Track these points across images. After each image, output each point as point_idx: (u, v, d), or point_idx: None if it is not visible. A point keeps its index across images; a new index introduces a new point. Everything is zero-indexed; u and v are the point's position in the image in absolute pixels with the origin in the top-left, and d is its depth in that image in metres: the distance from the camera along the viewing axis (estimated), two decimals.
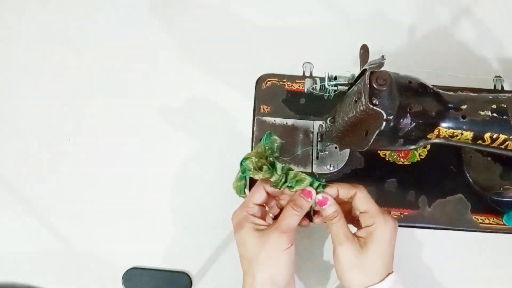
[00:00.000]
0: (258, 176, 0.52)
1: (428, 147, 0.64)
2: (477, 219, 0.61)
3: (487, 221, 0.61)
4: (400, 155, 0.63)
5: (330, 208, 0.52)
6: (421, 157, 0.63)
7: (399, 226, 0.58)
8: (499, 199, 0.60)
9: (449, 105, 0.48)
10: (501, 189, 0.58)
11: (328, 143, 0.59)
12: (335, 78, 0.51)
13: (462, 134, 0.48)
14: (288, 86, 0.66)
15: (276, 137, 0.56)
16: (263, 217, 0.54)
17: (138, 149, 0.68)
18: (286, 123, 0.64)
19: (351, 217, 0.54)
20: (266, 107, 0.65)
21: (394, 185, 0.62)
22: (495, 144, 0.48)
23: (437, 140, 0.49)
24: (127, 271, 0.63)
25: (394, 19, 0.75)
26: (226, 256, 0.63)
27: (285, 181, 0.53)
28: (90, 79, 0.71)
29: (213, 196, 0.65)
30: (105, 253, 0.64)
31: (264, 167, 0.52)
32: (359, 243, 0.51)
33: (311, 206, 0.53)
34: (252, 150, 0.63)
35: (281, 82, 0.66)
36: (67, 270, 0.63)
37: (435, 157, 0.63)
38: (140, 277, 0.63)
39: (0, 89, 0.71)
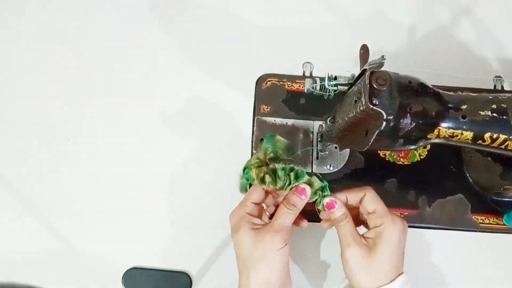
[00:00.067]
0: (262, 186, 0.52)
1: (428, 147, 0.64)
2: (477, 219, 0.61)
3: (487, 221, 0.61)
4: (400, 155, 0.63)
5: (339, 211, 0.52)
6: (421, 157, 0.63)
7: None
8: (499, 199, 0.60)
9: (449, 105, 0.48)
10: (501, 189, 0.58)
11: (328, 143, 0.59)
12: (335, 78, 0.51)
13: (462, 134, 0.48)
14: (288, 86, 0.66)
15: (280, 138, 0.55)
16: (260, 216, 0.54)
17: (138, 149, 0.68)
18: (286, 123, 0.64)
19: (359, 221, 0.54)
20: (266, 107, 0.65)
21: (394, 185, 0.62)
22: (495, 144, 0.48)
23: (437, 140, 0.49)
24: (127, 271, 0.63)
25: (394, 19, 0.75)
26: (226, 256, 0.63)
27: (290, 183, 0.52)
28: (90, 79, 0.71)
29: (213, 196, 0.65)
30: (105, 253, 0.64)
31: (267, 177, 0.52)
32: (368, 244, 0.51)
33: (320, 211, 0.53)
34: (252, 151, 0.63)
35: (281, 82, 0.66)
36: (67, 270, 0.63)
37: (435, 157, 0.63)
38: (140, 277, 0.63)
39: (0, 89, 0.71)
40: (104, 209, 0.65)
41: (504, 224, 0.60)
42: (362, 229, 0.54)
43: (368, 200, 0.52)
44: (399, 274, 0.50)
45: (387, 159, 0.63)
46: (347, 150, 0.63)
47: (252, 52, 0.72)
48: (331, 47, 0.72)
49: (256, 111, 0.65)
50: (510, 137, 0.48)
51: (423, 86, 0.47)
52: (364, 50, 0.49)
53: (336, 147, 0.62)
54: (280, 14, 0.75)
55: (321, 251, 0.64)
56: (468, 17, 0.75)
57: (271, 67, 0.67)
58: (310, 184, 0.52)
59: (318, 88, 0.52)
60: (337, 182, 0.61)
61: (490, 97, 0.49)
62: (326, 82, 0.51)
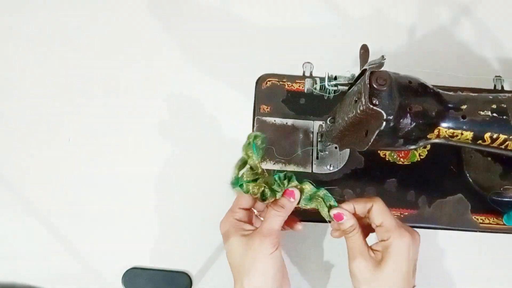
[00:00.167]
0: (265, 202, 0.51)
1: (428, 147, 0.64)
2: (477, 219, 0.61)
3: (487, 221, 0.61)
4: (400, 155, 0.63)
5: (348, 223, 0.51)
6: (421, 157, 0.63)
7: None
8: (499, 199, 0.60)
9: (449, 105, 0.48)
10: (501, 189, 0.58)
11: (328, 143, 0.59)
12: (335, 78, 0.51)
13: (462, 134, 0.48)
14: (288, 86, 0.66)
15: (259, 136, 0.52)
16: (250, 221, 0.53)
17: (138, 149, 0.68)
18: (286, 123, 0.64)
19: (370, 229, 0.53)
20: (266, 107, 0.65)
21: (394, 185, 0.62)
22: (495, 144, 0.48)
23: (437, 140, 0.49)
24: (127, 271, 0.63)
25: (394, 19, 0.75)
26: (226, 256, 0.63)
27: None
28: (90, 79, 0.71)
29: (213, 196, 0.65)
30: (105, 253, 0.64)
31: (266, 191, 0.50)
32: (375, 257, 0.49)
33: (330, 221, 0.52)
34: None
35: (281, 82, 0.66)
36: (67, 270, 0.63)
37: (435, 157, 0.63)
38: (140, 277, 0.63)
39: (0, 89, 0.71)
40: (104, 209, 0.65)
41: (504, 224, 0.60)
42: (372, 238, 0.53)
43: (375, 212, 0.50)
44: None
45: (387, 159, 0.63)
46: (347, 150, 0.63)
47: (252, 52, 0.72)
48: (331, 47, 0.72)
49: (256, 111, 0.65)
50: (510, 137, 0.48)
51: (423, 86, 0.47)
52: (364, 50, 0.49)
53: (336, 147, 0.62)
54: (280, 14, 0.75)
55: (323, 251, 0.64)
56: (468, 17, 0.75)
57: (271, 67, 0.67)
58: (301, 190, 0.51)
59: (318, 88, 0.51)
60: (337, 182, 0.61)
61: (490, 97, 0.49)
62: (326, 82, 0.51)
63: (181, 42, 0.73)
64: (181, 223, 0.65)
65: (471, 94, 0.50)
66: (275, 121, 0.64)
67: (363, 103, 0.43)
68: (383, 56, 0.45)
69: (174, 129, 0.69)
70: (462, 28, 0.74)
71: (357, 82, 0.47)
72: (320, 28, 0.74)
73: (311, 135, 0.63)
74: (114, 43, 0.73)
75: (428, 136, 0.48)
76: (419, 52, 0.73)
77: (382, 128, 0.43)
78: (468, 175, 0.62)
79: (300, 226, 0.55)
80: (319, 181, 0.60)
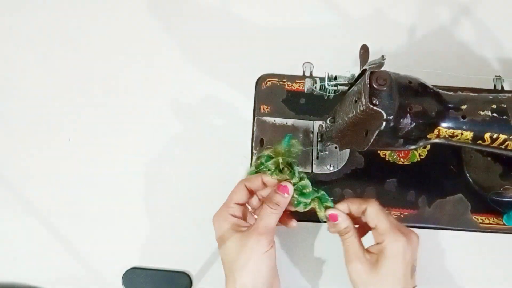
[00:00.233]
0: (276, 177, 0.51)
1: (428, 147, 0.64)
2: (477, 219, 0.61)
3: (487, 221, 0.61)
4: (400, 155, 0.63)
5: (342, 224, 0.51)
6: (421, 157, 0.63)
7: None
8: (499, 199, 0.60)
9: (449, 105, 0.48)
10: (501, 189, 0.58)
11: (328, 143, 0.59)
12: (335, 78, 0.51)
13: (462, 134, 0.48)
14: (288, 86, 0.66)
15: (296, 142, 0.53)
16: (244, 217, 0.53)
17: (138, 149, 0.68)
18: (286, 123, 0.64)
19: (367, 228, 0.53)
20: (266, 107, 0.65)
21: (394, 185, 0.62)
22: (495, 144, 0.48)
23: (437, 140, 0.49)
24: (127, 271, 0.63)
25: (394, 19, 0.75)
26: (218, 250, 0.63)
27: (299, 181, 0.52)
28: (90, 79, 0.71)
29: (213, 196, 0.65)
30: (105, 253, 0.64)
31: (286, 169, 0.51)
32: (371, 259, 0.49)
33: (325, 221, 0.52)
34: (252, 150, 0.63)
35: (281, 82, 0.66)
36: (67, 270, 0.63)
37: (435, 157, 0.63)
38: (140, 277, 0.62)
39: (0, 89, 0.71)
40: (104, 209, 0.65)
41: (504, 224, 0.60)
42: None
43: (370, 215, 0.50)
44: None
45: (387, 159, 0.63)
46: (347, 150, 0.63)
47: (252, 52, 0.72)
48: (331, 47, 0.72)
49: (256, 111, 0.65)
50: (510, 137, 0.48)
51: (423, 86, 0.47)
52: (364, 50, 0.49)
53: (336, 147, 0.62)
54: (280, 14, 0.75)
55: (319, 251, 0.64)
56: (468, 17, 0.75)
57: (271, 67, 0.67)
58: (304, 188, 0.52)
59: (318, 88, 0.51)
60: (337, 182, 0.61)
61: (490, 97, 0.49)
62: (326, 82, 0.51)
63: (181, 42, 0.73)
64: (181, 223, 0.65)
65: (471, 94, 0.50)
66: (275, 121, 0.64)
67: (363, 103, 0.43)
68: (383, 56, 0.45)
69: (174, 129, 0.69)
70: (462, 28, 0.74)
71: (357, 82, 0.47)
72: (320, 28, 0.74)
73: (311, 135, 0.63)
74: (114, 43, 0.73)
75: (428, 136, 0.48)
76: (419, 52, 0.73)
77: (382, 128, 0.43)
78: (468, 175, 0.62)
79: (294, 223, 0.54)
80: (319, 181, 0.61)
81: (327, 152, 0.62)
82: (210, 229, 0.63)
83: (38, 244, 0.64)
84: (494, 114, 0.47)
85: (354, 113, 0.46)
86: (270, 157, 0.52)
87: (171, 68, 0.71)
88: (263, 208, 0.51)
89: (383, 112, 0.43)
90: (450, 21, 0.75)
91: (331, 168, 0.62)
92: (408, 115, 0.45)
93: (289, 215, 0.54)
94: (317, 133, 0.63)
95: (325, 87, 0.51)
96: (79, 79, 0.71)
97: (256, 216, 0.54)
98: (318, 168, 0.62)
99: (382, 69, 0.45)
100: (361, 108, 0.44)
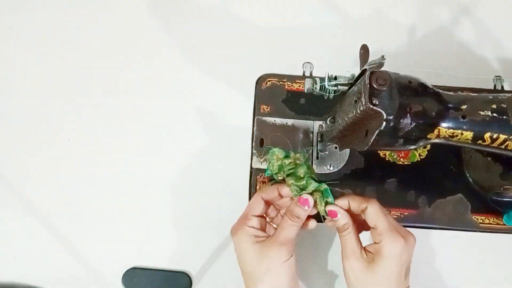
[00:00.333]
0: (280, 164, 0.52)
1: (428, 147, 0.63)
2: (477, 219, 0.61)
3: (487, 221, 0.61)
4: (400, 155, 0.63)
5: (341, 221, 0.51)
6: (421, 157, 0.63)
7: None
8: (499, 199, 0.60)
9: (449, 105, 0.48)
10: (501, 189, 0.58)
11: (328, 143, 0.59)
12: (335, 78, 0.51)
13: (462, 134, 0.48)
14: (288, 86, 0.65)
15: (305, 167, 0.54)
16: (263, 228, 0.53)
17: (138, 149, 0.68)
18: (286, 123, 0.64)
19: (367, 226, 0.52)
20: (266, 107, 0.65)
21: (394, 185, 0.62)
22: (495, 144, 0.48)
23: (437, 140, 0.49)
24: (127, 271, 0.63)
25: (394, 19, 0.75)
26: (226, 256, 0.63)
27: (302, 189, 0.52)
28: (90, 79, 0.71)
29: (213, 196, 0.65)
30: (105, 253, 0.64)
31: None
32: (368, 258, 0.50)
33: (324, 218, 0.52)
34: (252, 151, 0.63)
35: (281, 82, 0.66)
36: (67, 270, 0.64)
37: (435, 157, 0.63)
38: (140, 277, 0.63)
39: (0, 89, 0.71)
40: (104, 209, 0.65)
41: (504, 224, 0.60)
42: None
43: (369, 215, 0.50)
44: None
45: (387, 159, 0.63)
46: (347, 150, 0.63)
47: (252, 52, 0.72)
48: (331, 47, 0.72)
49: (256, 111, 0.64)
50: (510, 137, 0.48)
51: (423, 86, 0.47)
52: (364, 50, 0.49)
53: (336, 147, 0.62)
54: (280, 14, 0.75)
55: (317, 249, 0.64)
56: (468, 17, 0.75)
57: (271, 67, 0.67)
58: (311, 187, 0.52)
59: (318, 88, 0.51)
60: (337, 182, 0.61)
61: (490, 97, 0.49)
62: (326, 82, 0.51)
63: (181, 42, 0.73)
64: (181, 223, 0.65)
65: (471, 94, 0.50)
66: (275, 121, 0.64)
67: (363, 103, 0.43)
68: (383, 56, 0.45)
69: (174, 129, 0.69)
70: (462, 28, 0.74)
71: (357, 82, 0.47)
72: (320, 28, 0.74)
73: (311, 135, 0.63)
74: (114, 43, 0.73)
75: (428, 136, 0.48)
76: (419, 52, 0.73)
77: (382, 128, 0.43)
78: (468, 175, 0.62)
79: (313, 223, 0.54)
80: (319, 182, 0.60)
81: (327, 152, 0.62)
82: (210, 229, 0.64)
83: (38, 244, 0.64)
84: (494, 114, 0.47)
85: (354, 113, 0.46)
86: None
87: (171, 68, 0.71)
88: (284, 220, 0.51)
89: (383, 112, 0.43)
90: (450, 21, 0.75)
91: (331, 168, 0.62)
92: (408, 115, 0.45)
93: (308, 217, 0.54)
94: (317, 133, 0.62)
95: (325, 87, 0.51)
96: (79, 79, 0.71)
97: (274, 225, 0.55)
98: (318, 168, 0.62)
99: (382, 69, 0.45)
100: (361, 108, 0.44)
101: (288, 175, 0.53)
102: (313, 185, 0.52)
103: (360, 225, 0.53)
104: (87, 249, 0.64)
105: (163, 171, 0.67)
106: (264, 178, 0.59)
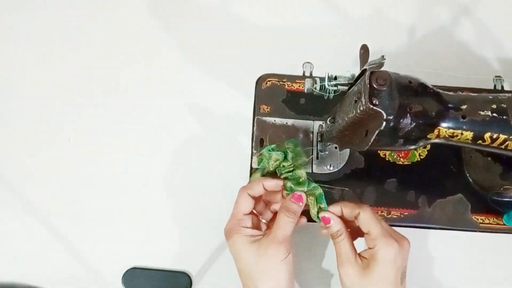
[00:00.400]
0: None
1: (428, 147, 0.64)
2: (477, 219, 0.61)
3: (487, 221, 0.61)
4: (400, 155, 0.63)
5: (334, 227, 0.51)
6: (421, 157, 0.63)
7: (400, 226, 0.58)
8: (499, 199, 0.60)
9: (449, 105, 0.48)
10: (501, 189, 0.58)
11: (328, 143, 0.59)
12: (335, 78, 0.51)
13: (462, 134, 0.48)
14: (288, 86, 0.66)
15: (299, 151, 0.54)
16: (256, 227, 0.53)
17: (138, 149, 0.68)
18: (286, 123, 0.64)
19: (361, 232, 0.52)
20: (266, 107, 0.65)
21: (394, 185, 0.62)
22: (495, 144, 0.48)
23: (437, 140, 0.49)
24: (127, 271, 0.63)
25: (394, 19, 0.75)
26: (226, 256, 0.63)
27: (289, 172, 0.52)
28: (90, 79, 0.71)
29: (213, 196, 0.65)
30: (105, 253, 0.64)
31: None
32: (363, 264, 0.50)
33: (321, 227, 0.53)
34: (252, 151, 0.63)
35: (281, 82, 0.66)
36: (67, 270, 0.63)
37: (435, 157, 0.63)
38: (140, 277, 0.63)
39: (0, 89, 0.71)
40: (104, 209, 0.65)
41: (504, 224, 0.60)
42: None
43: (362, 220, 0.50)
44: None
45: (387, 159, 0.63)
46: (347, 150, 0.63)
47: (252, 52, 0.72)
48: (331, 47, 0.72)
49: (256, 111, 0.64)
50: (510, 137, 0.48)
51: (423, 86, 0.47)
52: (364, 50, 0.49)
53: (336, 147, 0.62)
54: (280, 14, 0.75)
55: (316, 249, 0.64)
56: (468, 17, 0.75)
57: (271, 67, 0.67)
58: (302, 183, 0.52)
59: (318, 88, 0.51)
60: (337, 182, 0.61)
61: (490, 97, 0.49)
62: (326, 82, 0.51)
63: (181, 42, 0.73)
64: (181, 223, 0.65)
65: (471, 94, 0.50)
66: (275, 121, 0.64)
67: (363, 103, 0.43)
68: (383, 56, 0.45)
69: (174, 129, 0.69)
70: (462, 28, 0.74)
71: (357, 82, 0.47)
72: (320, 28, 0.74)
73: (311, 135, 0.63)
74: (114, 43, 0.73)
75: (428, 136, 0.48)
76: (419, 52, 0.73)
77: (382, 128, 0.43)
78: (468, 175, 0.62)
79: (304, 220, 0.54)
80: (319, 181, 0.60)
81: (327, 152, 0.62)
82: (210, 229, 0.64)
83: (38, 244, 0.64)
84: (494, 114, 0.47)
85: (354, 113, 0.46)
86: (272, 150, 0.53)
87: (171, 68, 0.71)
88: (281, 218, 0.51)
89: (383, 112, 0.43)
90: (450, 21, 0.75)
91: (331, 168, 0.62)
92: (408, 115, 0.45)
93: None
94: (317, 133, 0.62)
95: (325, 87, 0.51)
96: (79, 79, 0.71)
97: (263, 220, 0.55)
98: (318, 168, 0.62)
99: (382, 69, 0.45)
100: (361, 108, 0.44)
101: (286, 178, 0.53)
102: (312, 185, 0.52)
103: (355, 232, 0.53)
104: (87, 249, 0.64)
105: (163, 171, 0.67)
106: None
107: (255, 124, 0.64)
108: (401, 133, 0.46)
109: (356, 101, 0.45)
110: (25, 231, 0.65)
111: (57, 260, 0.64)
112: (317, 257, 0.64)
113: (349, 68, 0.52)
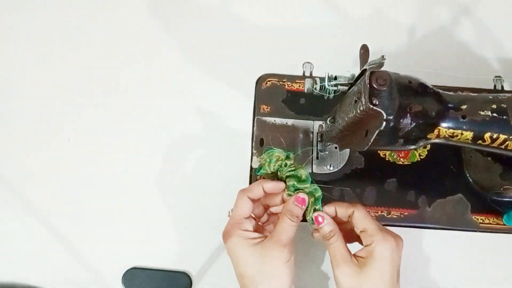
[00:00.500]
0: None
1: (428, 147, 0.63)
2: (477, 219, 0.61)
3: (487, 221, 0.61)
4: (400, 155, 0.63)
5: (327, 227, 0.51)
6: (421, 157, 0.63)
7: (400, 226, 0.58)
8: (499, 199, 0.60)
9: (449, 105, 0.48)
10: (501, 189, 0.58)
11: (328, 143, 0.59)
12: (335, 78, 0.51)
13: (462, 134, 0.48)
14: (288, 86, 0.65)
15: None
16: (256, 229, 0.53)
17: (138, 149, 0.68)
18: (286, 123, 0.64)
19: (354, 236, 0.53)
20: (266, 107, 0.65)
21: (394, 185, 0.62)
22: (495, 144, 0.48)
23: (437, 140, 0.49)
24: (127, 271, 0.63)
25: (394, 19, 0.75)
26: (226, 256, 0.63)
27: (291, 171, 0.53)
28: (90, 79, 0.71)
29: (213, 196, 0.65)
30: (105, 253, 0.64)
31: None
32: (359, 263, 0.49)
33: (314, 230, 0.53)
34: (252, 151, 0.63)
35: (281, 82, 0.66)
36: (67, 270, 0.64)
37: (435, 157, 0.63)
38: (140, 277, 0.63)
39: (0, 89, 0.71)
40: (104, 209, 0.65)
41: (504, 224, 0.60)
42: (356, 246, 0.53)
43: (357, 218, 0.50)
44: None
45: (387, 159, 0.63)
46: (347, 150, 0.62)
47: (252, 52, 0.72)
48: (331, 47, 0.72)
49: (256, 111, 0.64)
50: (510, 137, 0.48)
51: (423, 86, 0.47)
52: (364, 50, 0.49)
53: (336, 147, 0.62)
54: (280, 14, 0.75)
55: (315, 249, 0.64)
56: (468, 17, 0.75)
57: (271, 67, 0.67)
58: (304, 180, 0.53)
59: (318, 88, 0.51)
60: (337, 182, 0.61)
61: (490, 97, 0.49)
62: (326, 82, 0.51)
63: (181, 42, 0.73)
64: (181, 223, 0.65)
65: (471, 94, 0.50)
66: (275, 121, 0.64)
67: (363, 103, 0.43)
68: (383, 56, 0.45)
69: (174, 129, 0.69)
70: (462, 28, 0.74)
71: (357, 82, 0.47)
72: (320, 28, 0.74)
73: (311, 135, 0.63)
74: (114, 43, 0.73)
75: (428, 136, 0.48)
76: (419, 52, 0.73)
77: (382, 128, 0.43)
78: (468, 175, 0.62)
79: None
80: (319, 181, 0.60)
81: (327, 152, 0.62)
82: (210, 230, 0.64)
83: (38, 244, 0.64)
84: (494, 114, 0.47)
85: (354, 113, 0.46)
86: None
87: (171, 68, 0.71)
88: (284, 220, 0.51)
89: (383, 112, 0.43)
90: (450, 21, 0.75)
91: (331, 168, 0.62)
92: (408, 115, 0.45)
93: None
94: (317, 133, 0.62)
95: (325, 87, 0.51)
96: (79, 79, 0.71)
97: (260, 223, 0.55)
98: (318, 168, 0.62)
99: (382, 69, 0.45)
100: (361, 108, 0.44)
101: (288, 176, 0.53)
102: (314, 187, 0.52)
103: (349, 235, 0.53)
104: (87, 249, 0.64)
105: (163, 171, 0.67)
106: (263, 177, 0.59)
107: (255, 124, 0.64)
108: (401, 133, 0.46)
109: (356, 101, 0.45)
110: (25, 231, 0.65)
111: (57, 260, 0.64)
112: (314, 259, 0.64)
113: (349, 68, 0.52)
